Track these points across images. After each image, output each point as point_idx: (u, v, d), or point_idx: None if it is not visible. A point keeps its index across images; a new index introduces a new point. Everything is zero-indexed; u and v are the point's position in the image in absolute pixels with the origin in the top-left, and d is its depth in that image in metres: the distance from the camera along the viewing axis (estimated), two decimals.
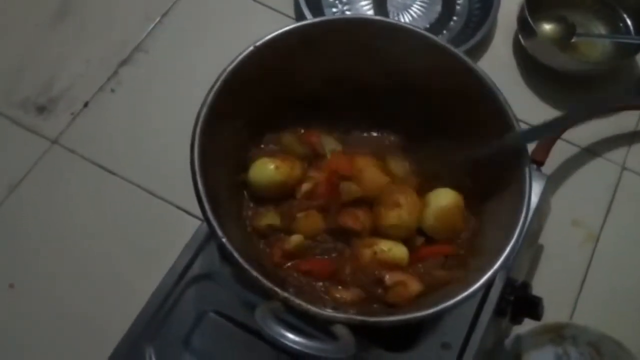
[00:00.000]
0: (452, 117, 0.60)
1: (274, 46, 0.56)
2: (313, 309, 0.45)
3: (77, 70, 0.90)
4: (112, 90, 0.89)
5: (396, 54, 0.59)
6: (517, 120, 0.55)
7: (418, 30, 0.59)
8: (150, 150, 0.84)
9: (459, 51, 0.58)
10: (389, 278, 0.53)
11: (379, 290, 0.53)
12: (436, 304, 0.47)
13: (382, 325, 0.46)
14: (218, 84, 0.53)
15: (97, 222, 0.80)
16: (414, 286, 0.53)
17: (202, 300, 0.60)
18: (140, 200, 0.81)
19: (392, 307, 0.53)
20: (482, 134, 0.57)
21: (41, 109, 0.87)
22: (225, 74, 0.53)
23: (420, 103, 0.60)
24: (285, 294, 0.45)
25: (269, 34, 0.56)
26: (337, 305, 0.52)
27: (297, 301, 0.45)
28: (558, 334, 0.70)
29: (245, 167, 0.58)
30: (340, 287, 0.53)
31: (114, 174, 0.83)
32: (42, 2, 0.95)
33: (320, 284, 0.53)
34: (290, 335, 0.41)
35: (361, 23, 0.61)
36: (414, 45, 0.59)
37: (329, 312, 0.45)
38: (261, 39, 0.56)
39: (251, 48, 0.55)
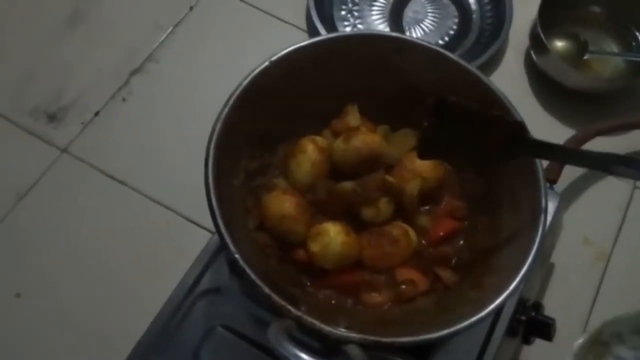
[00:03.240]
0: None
1: (288, 61, 0.56)
2: (326, 328, 0.45)
3: (88, 79, 0.90)
4: (124, 100, 0.89)
5: (408, 68, 0.59)
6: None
7: (429, 45, 0.60)
8: (160, 161, 0.84)
9: (472, 66, 0.58)
10: (399, 274, 0.55)
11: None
12: (451, 325, 0.46)
13: (395, 346, 0.46)
14: (233, 99, 0.53)
15: (105, 232, 0.79)
16: (422, 285, 0.55)
17: (211, 315, 0.59)
18: (149, 212, 0.81)
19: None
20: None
21: (51, 117, 0.87)
22: (240, 88, 0.53)
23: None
24: (298, 313, 0.45)
25: (283, 49, 0.56)
26: (367, 309, 0.53)
27: (310, 320, 0.45)
28: (598, 341, 0.62)
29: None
30: (373, 293, 0.55)
31: (123, 184, 0.82)
32: (54, 10, 0.95)
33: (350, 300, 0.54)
34: (304, 356, 0.40)
35: (374, 39, 0.61)
36: (425, 60, 0.59)
37: (342, 332, 0.45)
38: (276, 54, 0.56)
39: (266, 63, 0.55)
